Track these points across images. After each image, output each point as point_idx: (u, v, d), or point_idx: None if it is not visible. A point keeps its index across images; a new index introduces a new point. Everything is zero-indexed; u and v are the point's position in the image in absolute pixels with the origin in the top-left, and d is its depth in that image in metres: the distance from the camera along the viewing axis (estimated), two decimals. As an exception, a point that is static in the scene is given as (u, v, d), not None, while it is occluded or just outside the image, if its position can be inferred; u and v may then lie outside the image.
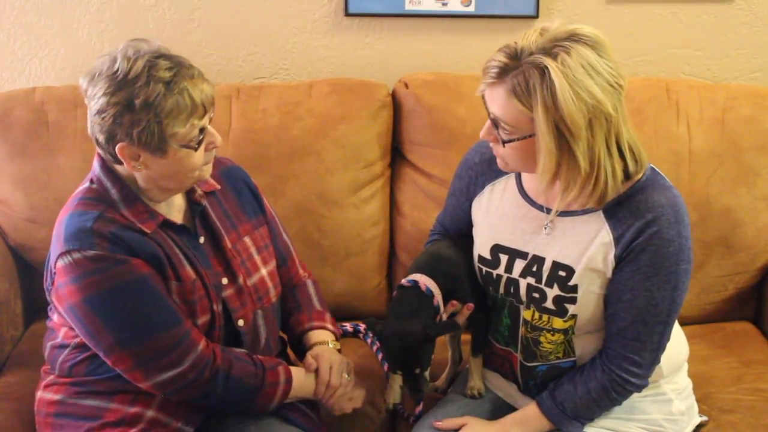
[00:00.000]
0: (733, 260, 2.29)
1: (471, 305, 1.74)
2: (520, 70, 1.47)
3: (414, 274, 1.74)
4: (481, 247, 1.75)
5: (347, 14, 2.45)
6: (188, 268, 1.65)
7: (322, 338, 1.85)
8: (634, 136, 1.56)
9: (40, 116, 2.24)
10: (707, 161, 2.26)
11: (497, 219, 1.74)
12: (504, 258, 1.71)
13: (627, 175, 1.57)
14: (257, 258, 1.79)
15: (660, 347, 1.63)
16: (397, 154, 2.40)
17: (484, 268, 1.75)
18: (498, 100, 1.52)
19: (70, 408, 1.69)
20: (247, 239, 1.79)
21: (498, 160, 1.64)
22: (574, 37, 1.48)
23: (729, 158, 2.26)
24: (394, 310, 1.73)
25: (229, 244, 1.74)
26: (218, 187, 1.78)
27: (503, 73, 1.49)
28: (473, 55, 2.50)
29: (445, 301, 1.73)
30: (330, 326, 1.89)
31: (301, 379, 1.74)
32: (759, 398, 1.99)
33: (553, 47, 1.47)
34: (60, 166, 2.22)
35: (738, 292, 2.34)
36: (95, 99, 1.53)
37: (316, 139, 2.27)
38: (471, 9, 2.45)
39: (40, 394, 1.76)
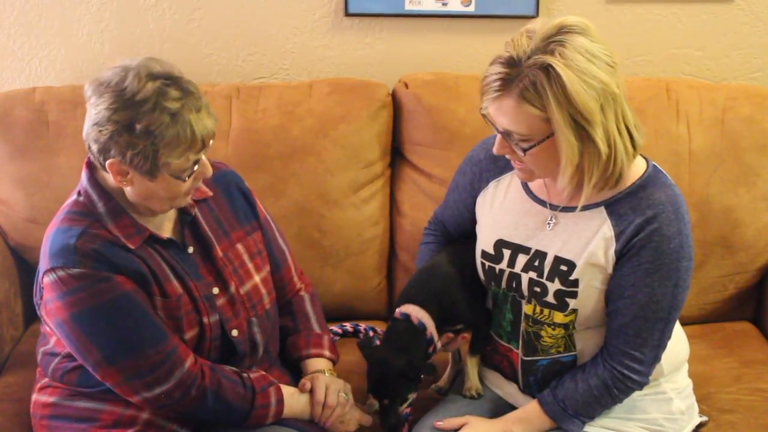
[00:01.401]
0: (733, 260, 2.29)
1: (467, 336, 1.78)
2: (524, 75, 1.48)
3: (406, 306, 1.74)
4: (485, 243, 1.76)
5: (347, 14, 2.45)
6: (175, 282, 1.64)
7: (319, 367, 1.83)
8: (633, 112, 1.57)
9: (40, 116, 2.24)
10: (707, 161, 2.26)
11: (501, 215, 1.75)
12: (507, 253, 1.72)
13: (635, 150, 1.57)
14: (250, 265, 1.78)
15: (661, 344, 1.64)
16: (397, 154, 2.40)
17: (487, 263, 1.75)
18: (508, 111, 1.51)
19: (65, 410, 1.69)
20: (239, 246, 1.77)
21: (519, 173, 1.64)
22: (563, 30, 1.49)
23: (729, 158, 2.26)
24: (386, 338, 1.77)
25: (220, 253, 1.72)
26: (210, 194, 1.76)
27: (507, 83, 1.49)
28: (473, 55, 2.50)
29: (442, 326, 1.75)
30: (327, 353, 1.87)
31: (294, 400, 1.73)
32: (759, 398, 2.00)
33: (548, 45, 1.48)
34: (60, 166, 2.22)
35: (738, 292, 2.34)
36: (96, 109, 1.51)
37: (316, 139, 2.27)
38: (471, 9, 2.45)
39: (35, 396, 1.75)
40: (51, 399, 1.71)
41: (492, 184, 1.78)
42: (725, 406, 1.96)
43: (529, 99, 1.48)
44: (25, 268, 2.29)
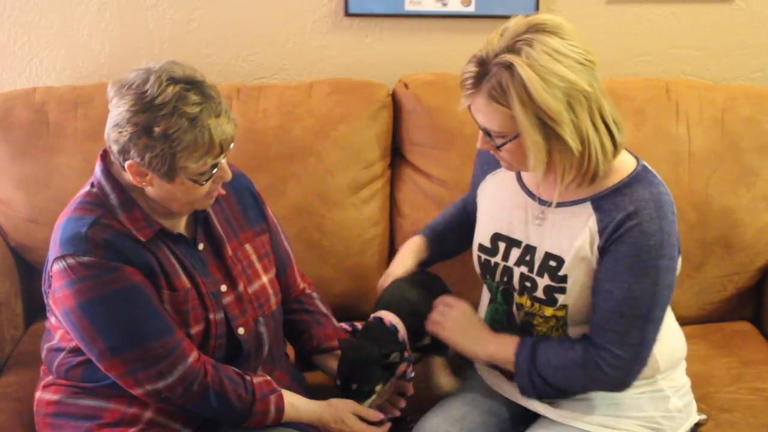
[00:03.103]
0: (733, 260, 2.29)
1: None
2: (491, 74, 1.50)
3: (379, 312, 1.78)
4: (482, 236, 1.77)
5: (347, 14, 2.45)
6: (183, 277, 1.65)
7: None
8: (614, 109, 1.58)
9: (41, 116, 2.24)
10: (707, 161, 2.26)
11: (497, 208, 1.77)
12: (502, 246, 1.74)
13: (615, 147, 1.57)
14: (258, 265, 1.79)
15: (643, 344, 1.61)
16: (397, 155, 2.40)
17: (483, 256, 1.77)
18: (481, 109, 1.55)
19: (68, 408, 1.69)
20: (248, 246, 1.79)
21: (502, 163, 1.67)
22: (532, 29, 1.50)
23: (729, 158, 2.26)
24: (360, 335, 1.80)
25: (230, 252, 1.74)
26: (223, 192, 1.75)
27: (477, 81, 1.52)
28: (473, 55, 2.50)
29: (414, 341, 1.80)
30: None
31: (295, 409, 1.72)
32: (758, 398, 2.00)
33: (515, 43, 1.49)
34: (60, 166, 2.22)
35: (737, 292, 2.34)
36: (118, 110, 1.53)
37: (316, 140, 2.27)
38: (471, 9, 2.45)
39: (38, 394, 1.76)
40: (55, 397, 1.72)
41: (489, 177, 1.81)
42: (725, 405, 1.97)
43: (495, 98, 1.51)
44: (26, 268, 2.29)
